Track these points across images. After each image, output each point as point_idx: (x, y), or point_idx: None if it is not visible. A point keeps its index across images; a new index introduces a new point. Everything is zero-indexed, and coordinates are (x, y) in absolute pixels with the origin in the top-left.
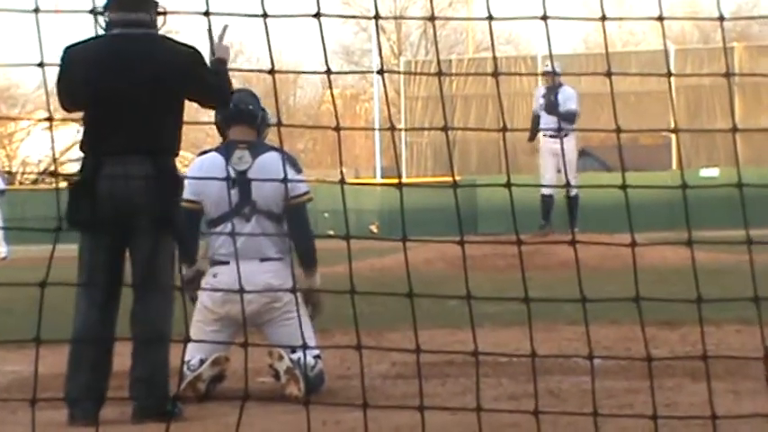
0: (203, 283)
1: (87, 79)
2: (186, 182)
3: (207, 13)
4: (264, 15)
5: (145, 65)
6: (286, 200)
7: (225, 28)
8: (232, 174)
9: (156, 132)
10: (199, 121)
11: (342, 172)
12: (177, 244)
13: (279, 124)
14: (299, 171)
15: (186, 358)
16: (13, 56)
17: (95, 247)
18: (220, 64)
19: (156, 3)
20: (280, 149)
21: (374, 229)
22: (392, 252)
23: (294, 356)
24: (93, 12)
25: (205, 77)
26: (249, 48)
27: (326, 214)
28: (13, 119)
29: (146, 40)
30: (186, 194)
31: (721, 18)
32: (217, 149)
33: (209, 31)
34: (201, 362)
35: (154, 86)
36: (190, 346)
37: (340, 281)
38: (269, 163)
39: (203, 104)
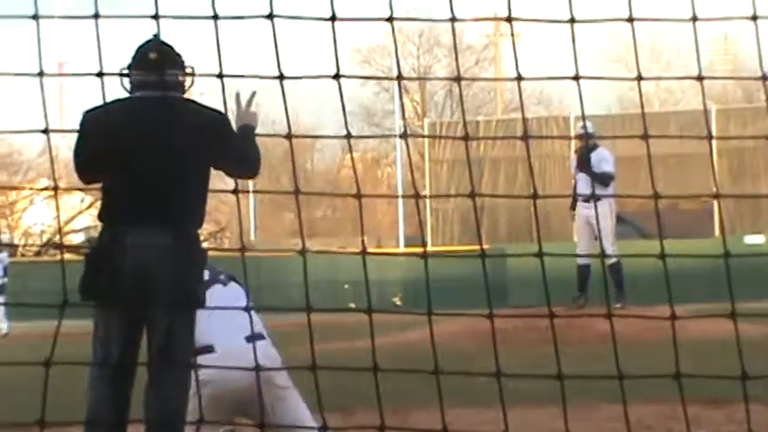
0: None
1: (106, 145)
2: None
3: (220, 75)
4: (281, 77)
5: (168, 130)
6: None
7: (253, 94)
8: None
9: (180, 202)
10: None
11: (363, 242)
12: None
13: (297, 192)
14: None
15: None
16: (16, 121)
17: (111, 321)
18: (248, 130)
19: (183, 62)
20: None
21: (398, 301)
22: (417, 326)
23: None
24: (120, 74)
25: (232, 144)
26: (264, 108)
27: (347, 286)
28: (14, 188)
29: (170, 103)
30: None
31: (765, 77)
32: None
33: (237, 96)
34: None
35: (177, 153)
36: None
37: (362, 357)
38: None
39: (229, 173)
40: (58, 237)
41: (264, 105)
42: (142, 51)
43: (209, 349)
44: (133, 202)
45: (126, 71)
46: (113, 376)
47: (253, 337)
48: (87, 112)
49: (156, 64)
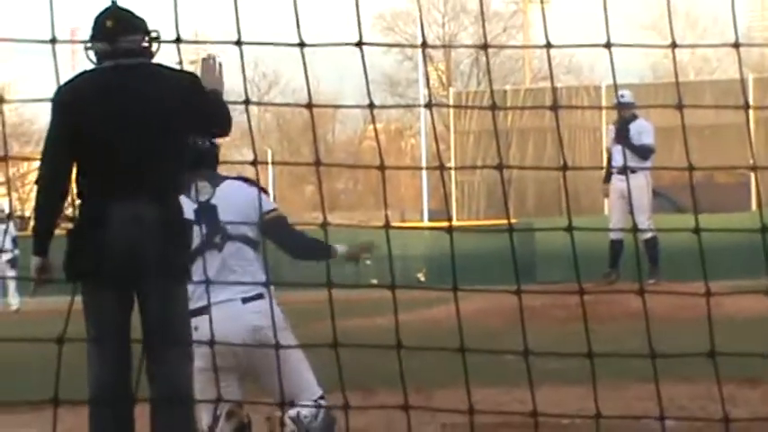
0: None
1: (78, 119)
2: None
3: (239, 43)
4: (302, 45)
5: (142, 97)
6: (261, 218)
7: (209, 57)
8: (194, 206)
9: (158, 170)
10: (231, 160)
11: (387, 215)
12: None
13: (318, 163)
14: (266, 194)
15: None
16: (27, 89)
17: (99, 299)
18: (215, 93)
19: (146, 27)
20: (241, 177)
21: (421, 277)
22: (442, 302)
23: (293, 412)
24: (84, 47)
25: (206, 104)
26: (284, 77)
27: (369, 261)
28: (25, 159)
29: (140, 69)
30: None
31: None
32: None
33: (203, 61)
34: (216, 420)
35: (152, 120)
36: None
37: (385, 334)
38: (231, 188)
39: (204, 133)
40: (70, 209)
41: (285, 74)
42: (100, 21)
43: (201, 311)
44: (112, 175)
45: (89, 42)
46: (111, 358)
47: (250, 299)
48: (60, 87)
49: (114, 32)
